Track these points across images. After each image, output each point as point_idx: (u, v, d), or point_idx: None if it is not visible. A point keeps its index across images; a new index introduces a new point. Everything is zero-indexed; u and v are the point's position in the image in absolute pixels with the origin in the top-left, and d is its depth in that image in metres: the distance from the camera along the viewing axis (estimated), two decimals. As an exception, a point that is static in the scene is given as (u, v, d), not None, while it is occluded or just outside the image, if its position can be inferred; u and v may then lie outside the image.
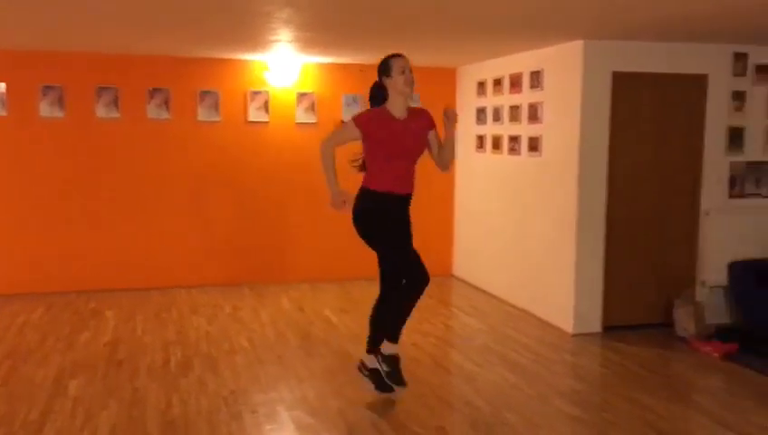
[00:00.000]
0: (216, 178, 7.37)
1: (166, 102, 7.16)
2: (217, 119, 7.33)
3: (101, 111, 7.00)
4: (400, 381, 4.15)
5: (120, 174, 7.13)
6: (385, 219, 4.05)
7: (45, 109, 6.85)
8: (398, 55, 4.05)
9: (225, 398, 4.27)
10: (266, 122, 7.46)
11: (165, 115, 7.17)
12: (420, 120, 4.13)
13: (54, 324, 5.87)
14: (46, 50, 6.73)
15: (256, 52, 6.70)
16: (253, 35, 5.66)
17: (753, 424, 4.00)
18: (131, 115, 7.09)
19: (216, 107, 7.30)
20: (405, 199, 4.10)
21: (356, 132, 4.02)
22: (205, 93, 7.26)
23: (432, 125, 4.19)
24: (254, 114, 7.41)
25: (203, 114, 7.27)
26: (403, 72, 3.99)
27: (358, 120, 4.05)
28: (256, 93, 7.39)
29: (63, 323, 5.93)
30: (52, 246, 6.99)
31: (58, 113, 6.89)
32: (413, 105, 4.17)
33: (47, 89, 6.85)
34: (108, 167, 7.10)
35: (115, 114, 7.03)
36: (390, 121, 4.02)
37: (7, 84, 6.75)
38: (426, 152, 4.22)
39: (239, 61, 7.32)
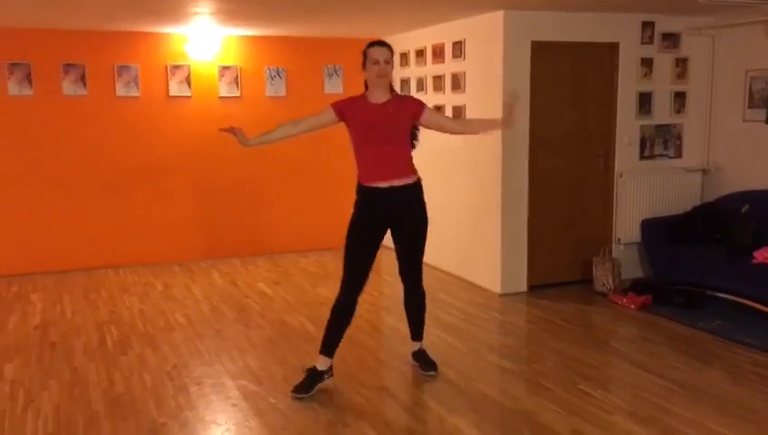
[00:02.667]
0: (136, 154, 7.22)
1: (81, 78, 6.94)
2: (136, 94, 7.16)
3: (13, 89, 6.72)
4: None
5: (37, 153, 6.89)
6: (360, 217, 3.97)
7: (-48, 87, 6.53)
8: (376, 44, 3.94)
9: (169, 372, 4.29)
10: (188, 97, 7.35)
11: (81, 91, 6.95)
12: (402, 106, 3.95)
13: (-23, 310, 5.68)
14: (-50, 24, 6.40)
15: (176, 24, 6.57)
16: (173, 7, 5.56)
17: (667, 365, 4.35)
18: (45, 91, 6.84)
19: (135, 82, 7.13)
20: (393, 191, 3.92)
21: (331, 116, 3.97)
22: (123, 68, 7.08)
23: (419, 111, 3.96)
24: (176, 88, 7.28)
25: (121, 90, 7.09)
26: (377, 63, 3.87)
27: (334, 104, 4.01)
28: (177, 67, 7.26)
29: (-13, 308, 5.75)
30: (-32, 231, 6.72)
31: (-34, 91, 6.57)
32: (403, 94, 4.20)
33: (-47, 66, 6.52)
34: (24, 146, 6.84)
35: (28, 91, 6.77)
36: (366, 105, 3.94)
37: None
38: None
39: (158, 34, 7.16)
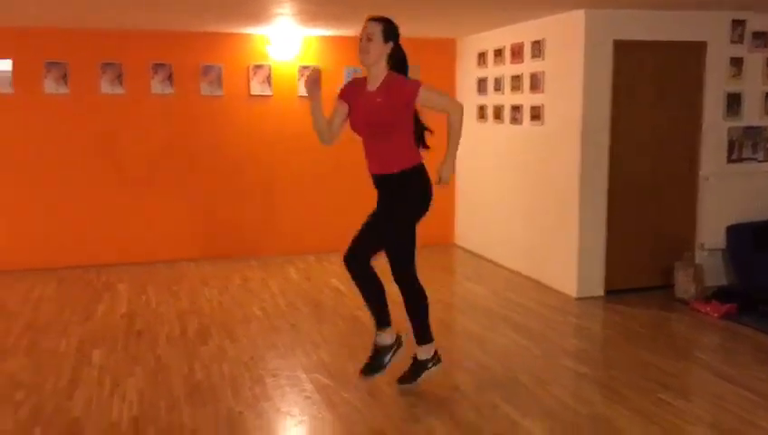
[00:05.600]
0: (219, 151, 7.45)
1: (169, 77, 7.21)
2: (220, 93, 7.39)
3: (106, 87, 7.05)
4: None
5: (126, 149, 7.20)
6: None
7: (50, 85, 6.90)
8: (367, 19, 3.68)
9: (246, 363, 4.42)
10: (269, 96, 7.53)
11: (169, 90, 7.23)
12: (389, 94, 3.60)
13: (69, 298, 5.99)
14: (51, 26, 6.76)
15: (259, 25, 6.75)
16: (256, 9, 5.71)
17: (752, 377, 4.18)
18: (135, 91, 7.14)
19: (218, 81, 7.36)
20: (379, 181, 3.76)
21: (343, 107, 3.78)
22: (208, 68, 7.32)
23: (411, 96, 3.60)
24: (258, 88, 7.47)
25: (205, 89, 7.33)
26: (360, 40, 3.64)
27: (339, 92, 3.85)
28: (258, 67, 7.45)
29: (78, 296, 6.05)
30: (61, 222, 7.08)
31: (63, 89, 6.93)
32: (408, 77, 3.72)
33: (51, 65, 6.89)
34: (113, 142, 7.16)
35: (119, 90, 7.09)
36: (361, 92, 3.71)
37: (14, 61, 6.79)
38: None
39: (241, 35, 7.36)
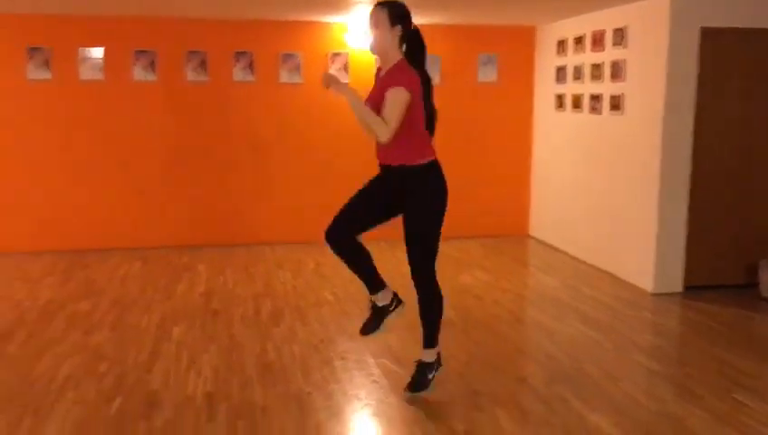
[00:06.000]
0: (299, 137, 7.60)
1: (250, 65, 7.40)
2: (299, 81, 7.53)
3: (191, 75, 7.30)
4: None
5: (210, 135, 7.45)
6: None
7: (139, 73, 7.20)
8: (373, 5, 3.51)
9: (316, 346, 4.53)
10: (346, 83, 7.59)
11: (249, 78, 7.42)
12: (386, 79, 3.46)
13: (152, 277, 6.27)
14: (140, 16, 7.05)
15: (338, 13, 6.83)
16: (335, -2, 5.79)
17: (839, 383, 3.98)
18: (218, 78, 7.37)
19: (297, 69, 7.50)
20: (382, 170, 3.65)
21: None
22: (287, 56, 7.46)
23: (389, 84, 3.38)
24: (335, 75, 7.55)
25: (284, 76, 7.49)
26: (369, 27, 3.50)
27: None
28: (336, 55, 7.55)
29: (160, 275, 6.32)
30: (147, 204, 7.40)
31: (150, 77, 7.23)
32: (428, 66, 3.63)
33: (140, 53, 7.18)
34: (198, 128, 7.42)
35: (203, 77, 7.32)
36: (376, 77, 3.64)
37: (105, 49, 7.12)
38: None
39: (320, 23, 7.47)
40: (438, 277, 3.84)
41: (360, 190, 3.72)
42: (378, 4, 3.48)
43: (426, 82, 3.54)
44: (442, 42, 7.71)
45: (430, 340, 3.79)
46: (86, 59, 7.09)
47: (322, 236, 3.74)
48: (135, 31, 7.15)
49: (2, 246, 7.08)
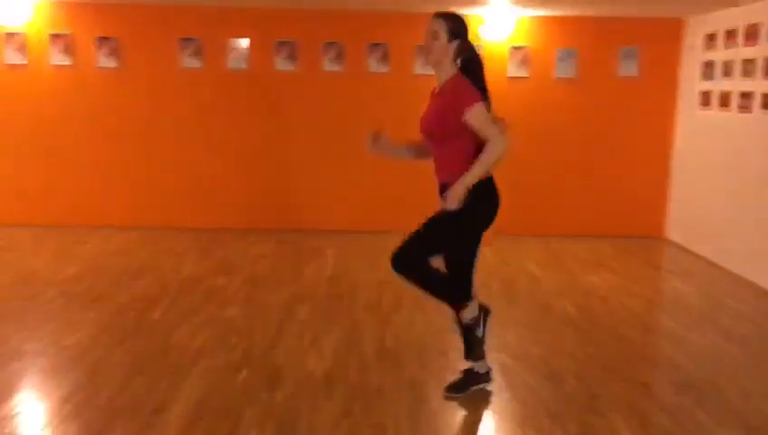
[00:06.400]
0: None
1: (384, 57, 7.54)
2: (432, 72, 7.56)
3: (328, 65, 7.55)
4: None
5: (346, 124, 7.66)
6: None
7: (280, 63, 7.53)
8: (432, 15, 3.46)
9: (434, 335, 4.58)
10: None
11: (384, 69, 7.56)
12: (442, 97, 3.41)
13: (283, 258, 6.56)
14: (281, 7, 7.37)
15: (475, 6, 6.80)
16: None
17: None
18: (354, 69, 7.56)
19: (431, 61, 7.54)
20: (439, 188, 3.52)
21: None
22: (421, 48, 7.52)
23: (457, 105, 3.30)
24: (468, 68, 7.55)
25: (418, 69, 7.56)
26: (426, 37, 3.43)
27: None
28: (471, 47, 7.52)
29: (290, 257, 6.61)
30: (281, 188, 7.74)
31: (291, 67, 7.54)
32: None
33: (281, 44, 7.51)
34: (336, 117, 7.66)
35: (339, 68, 7.55)
36: (432, 93, 3.60)
37: (251, 40, 7.51)
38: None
39: (455, 15, 7.47)
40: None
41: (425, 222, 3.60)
42: (438, 15, 3.44)
43: (485, 98, 3.44)
44: (579, 34, 7.49)
45: (473, 353, 3.71)
46: (233, 49, 7.51)
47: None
48: (277, 22, 7.48)
49: (151, 221, 7.65)
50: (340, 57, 7.54)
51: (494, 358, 4.20)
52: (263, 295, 5.36)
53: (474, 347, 3.72)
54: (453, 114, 3.33)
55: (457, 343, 4.40)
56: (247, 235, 7.46)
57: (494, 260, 6.69)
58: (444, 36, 3.37)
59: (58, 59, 7.43)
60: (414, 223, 3.66)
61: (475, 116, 3.28)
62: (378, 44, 7.52)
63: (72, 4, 7.36)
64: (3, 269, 5.92)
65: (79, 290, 5.36)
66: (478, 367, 3.75)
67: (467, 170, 3.28)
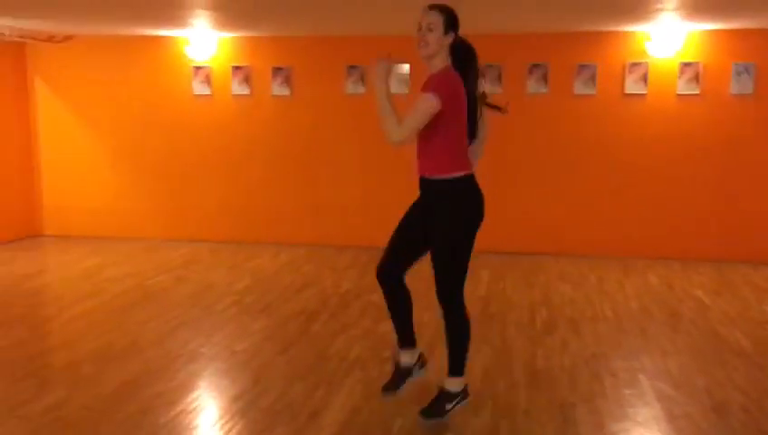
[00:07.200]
0: (592, 151, 7.48)
1: (544, 77, 7.49)
2: (593, 92, 7.41)
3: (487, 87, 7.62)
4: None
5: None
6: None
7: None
8: (425, 8, 3.35)
9: (587, 359, 4.47)
10: (644, 94, 7.31)
11: (542, 90, 7.51)
12: (425, 84, 3.32)
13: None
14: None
15: (638, 22, 6.60)
16: (634, 5, 5.62)
17: None
18: (512, 89, 7.56)
19: (592, 80, 7.39)
20: (420, 184, 3.49)
21: None
22: (582, 67, 7.40)
23: (423, 89, 3.27)
24: (632, 86, 7.30)
25: (579, 88, 7.42)
26: (419, 30, 3.32)
27: None
28: (635, 65, 7.28)
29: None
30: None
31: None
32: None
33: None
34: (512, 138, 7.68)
35: (498, 89, 7.59)
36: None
37: (410, 65, 7.77)
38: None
39: (618, 33, 7.28)
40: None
41: (398, 224, 3.59)
42: (434, 8, 3.34)
43: (471, 93, 3.39)
44: (757, 50, 7.01)
45: (456, 368, 3.58)
46: (401, 74, 7.74)
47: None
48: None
49: (315, 239, 8.08)
50: (498, 79, 7.57)
51: (653, 385, 4.03)
52: (415, 313, 5.47)
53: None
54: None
55: (614, 369, 4.28)
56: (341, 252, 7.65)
57: (657, 284, 6.39)
58: (440, 29, 3.30)
59: (238, 89, 8.11)
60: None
61: (418, 100, 3.23)
62: (537, 65, 7.48)
63: (250, 38, 8.02)
64: (188, 281, 6.53)
65: (249, 301, 5.80)
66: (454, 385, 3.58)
67: (440, 164, 3.33)
